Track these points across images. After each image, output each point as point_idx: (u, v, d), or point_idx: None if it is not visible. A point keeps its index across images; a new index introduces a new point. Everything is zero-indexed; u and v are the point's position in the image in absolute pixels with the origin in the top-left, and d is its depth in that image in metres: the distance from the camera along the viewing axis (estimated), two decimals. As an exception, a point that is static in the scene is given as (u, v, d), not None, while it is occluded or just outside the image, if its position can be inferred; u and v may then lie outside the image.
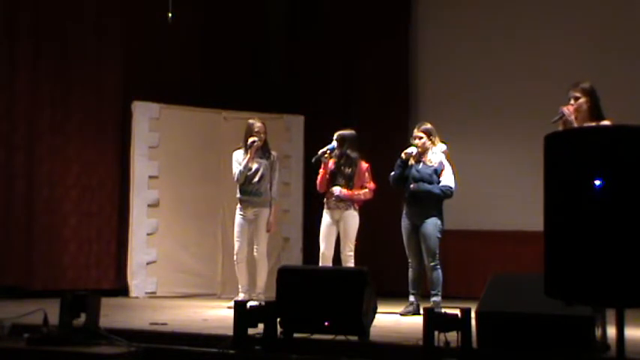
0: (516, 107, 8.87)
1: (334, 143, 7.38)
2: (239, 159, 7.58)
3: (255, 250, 7.58)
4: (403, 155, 7.04)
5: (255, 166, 7.55)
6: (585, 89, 5.18)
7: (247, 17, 10.06)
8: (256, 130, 7.56)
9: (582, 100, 5.16)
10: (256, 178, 7.54)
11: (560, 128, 5.10)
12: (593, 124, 5.03)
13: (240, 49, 9.91)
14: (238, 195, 7.63)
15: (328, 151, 7.37)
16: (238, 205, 7.62)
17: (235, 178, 7.60)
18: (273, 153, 7.71)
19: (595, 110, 5.14)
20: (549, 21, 9.03)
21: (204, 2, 9.82)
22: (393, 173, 7.09)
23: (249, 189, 7.56)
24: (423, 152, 7.05)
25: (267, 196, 7.59)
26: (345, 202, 7.32)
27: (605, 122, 5.04)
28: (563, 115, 5.15)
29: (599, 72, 8.55)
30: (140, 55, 9.13)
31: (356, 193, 7.32)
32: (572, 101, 5.20)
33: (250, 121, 7.65)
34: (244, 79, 9.78)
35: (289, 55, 10.31)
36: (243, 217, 7.58)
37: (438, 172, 6.99)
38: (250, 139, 7.52)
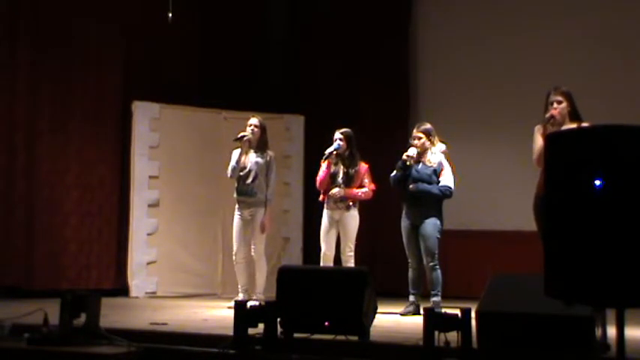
0: (516, 107, 8.85)
1: (339, 142, 7.33)
2: (236, 156, 7.56)
3: (252, 250, 7.56)
4: (405, 157, 7.01)
5: (249, 165, 7.49)
6: (566, 93, 5.42)
7: (247, 17, 10.06)
8: (249, 124, 7.53)
9: (564, 104, 5.36)
10: (250, 179, 7.47)
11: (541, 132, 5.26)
12: (575, 125, 5.20)
13: (240, 49, 9.91)
14: (234, 195, 7.61)
15: (335, 151, 7.33)
16: (236, 206, 7.60)
17: (228, 174, 7.55)
18: (270, 153, 7.60)
19: (575, 113, 5.40)
20: (549, 21, 9.03)
21: (204, 2, 9.82)
22: (393, 175, 7.07)
23: (243, 189, 7.51)
24: (422, 152, 7.04)
25: (262, 196, 7.51)
26: (344, 202, 7.30)
27: (584, 125, 5.18)
28: (553, 117, 5.30)
29: (599, 72, 8.59)
30: (140, 55, 9.13)
31: (355, 191, 7.31)
32: (554, 105, 5.37)
33: None
34: (244, 79, 9.77)
35: (289, 55, 10.30)
36: (241, 217, 7.55)
37: (437, 173, 6.97)
38: (240, 133, 7.49)
